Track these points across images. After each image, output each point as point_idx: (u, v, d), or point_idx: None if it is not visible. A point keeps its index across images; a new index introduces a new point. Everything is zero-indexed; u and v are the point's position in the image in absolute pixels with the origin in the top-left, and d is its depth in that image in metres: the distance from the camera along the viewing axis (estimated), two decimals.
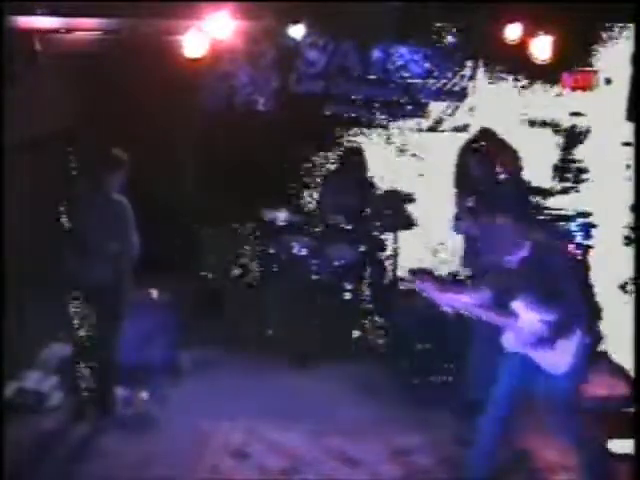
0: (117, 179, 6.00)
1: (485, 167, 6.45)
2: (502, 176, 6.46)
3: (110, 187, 5.97)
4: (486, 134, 6.88)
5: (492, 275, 5.13)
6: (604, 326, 7.01)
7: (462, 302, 5.09)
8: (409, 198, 7.93)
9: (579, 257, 7.25)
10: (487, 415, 5.16)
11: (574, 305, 4.79)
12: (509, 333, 4.97)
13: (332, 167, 8.42)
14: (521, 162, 6.73)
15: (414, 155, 8.46)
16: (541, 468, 5.57)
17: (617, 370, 6.52)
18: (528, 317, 4.87)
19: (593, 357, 5.12)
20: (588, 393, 6.19)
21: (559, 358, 4.83)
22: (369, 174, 8.13)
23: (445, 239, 8.06)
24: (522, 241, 4.87)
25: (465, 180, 6.76)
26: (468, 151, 6.75)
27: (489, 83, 8.09)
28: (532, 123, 8.16)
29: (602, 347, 6.90)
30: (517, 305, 4.90)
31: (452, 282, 5.36)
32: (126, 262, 5.98)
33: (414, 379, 6.76)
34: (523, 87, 8.07)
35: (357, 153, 8.11)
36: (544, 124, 8.17)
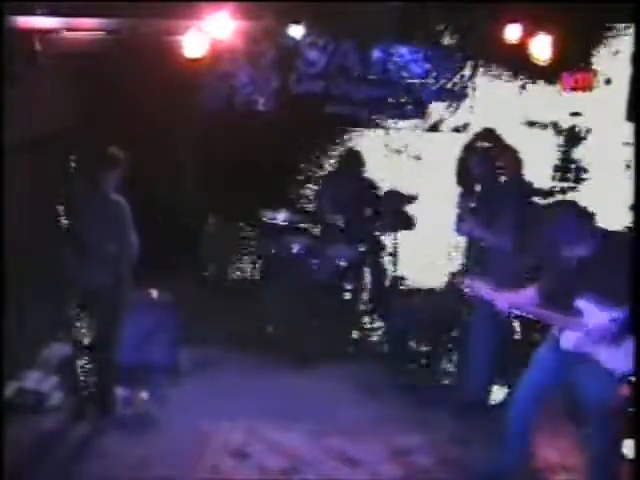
0: (114, 178, 5.97)
1: (487, 167, 6.45)
2: (504, 176, 6.46)
3: (107, 186, 5.94)
4: (488, 134, 6.88)
5: (549, 274, 4.98)
6: None
7: (520, 302, 4.96)
8: (409, 198, 7.94)
9: None
10: (516, 414, 5.12)
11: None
12: (571, 333, 4.81)
13: (332, 167, 8.42)
14: (522, 163, 6.73)
15: (414, 155, 8.47)
16: (541, 468, 5.57)
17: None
18: (595, 315, 4.69)
19: None
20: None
21: (625, 357, 4.66)
22: (369, 174, 8.14)
23: (446, 239, 8.07)
24: (585, 236, 4.74)
25: (467, 180, 6.77)
26: (470, 151, 6.75)
27: (489, 83, 8.09)
28: (532, 123, 8.16)
29: None
30: (581, 304, 4.72)
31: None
32: (125, 262, 5.97)
33: (414, 379, 6.76)
34: (523, 87, 8.08)
35: (357, 153, 8.11)
36: (544, 124, 8.17)
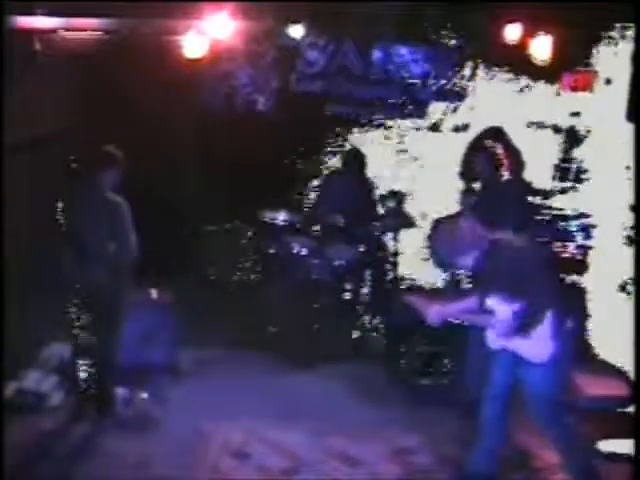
0: (112, 177, 5.95)
1: (490, 166, 6.45)
2: (506, 176, 6.47)
3: (105, 185, 5.92)
4: (493, 133, 6.89)
5: (476, 279, 5.23)
6: (603, 326, 7.02)
7: (447, 312, 5.19)
8: (409, 198, 7.93)
9: (579, 257, 7.27)
10: (486, 415, 5.22)
11: (541, 295, 4.87)
12: (490, 331, 5.09)
13: (332, 167, 8.42)
14: (524, 163, 6.74)
15: (414, 155, 8.47)
16: (540, 468, 5.57)
17: (616, 370, 6.52)
18: (501, 310, 4.95)
19: (578, 348, 5.19)
20: (588, 393, 6.22)
21: (537, 347, 4.92)
22: (369, 174, 8.13)
23: None
24: (481, 241, 4.99)
25: (470, 179, 6.78)
26: (474, 149, 6.76)
27: (489, 83, 8.09)
28: (532, 123, 8.16)
29: (600, 347, 6.94)
30: (491, 302, 4.99)
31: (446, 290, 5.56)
32: (124, 262, 5.96)
33: (414, 379, 6.76)
34: (523, 87, 8.07)
35: (357, 153, 8.11)
36: (544, 124, 8.17)
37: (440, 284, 7.65)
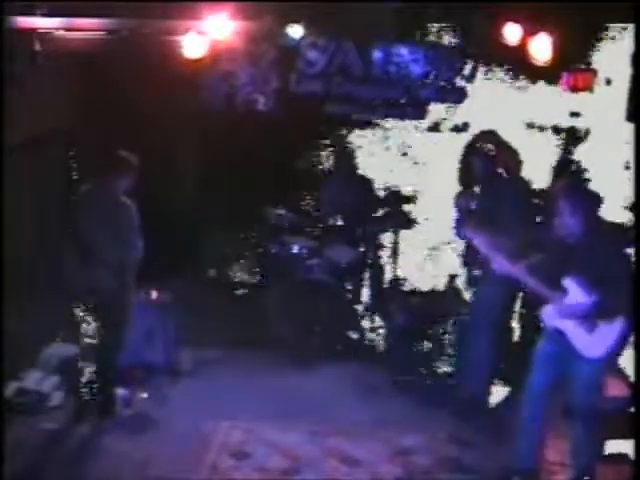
0: (126, 182, 6.00)
1: (488, 167, 6.45)
2: (504, 177, 6.47)
3: (118, 190, 5.96)
4: (490, 135, 6.88)
5: (551, 248, 5.15)
6: None
7: (515, 268, 5.12)
8: (409, 198, 7.93)
9: None
10: (524, 415, 5.23)
11: (622, 293, 4.82)
12: (553, 308, 5.04)
13: (332, 167, 8.42)
14: (522, 163, 6.73)
15: (414, 155, 8.47)
16: (541, 468, 5.56)
17: (616, 370, 6.51)
18: (576, 295, 4.92)
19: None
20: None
21: (596, 342, 4.91)
22: (369, 174, 8.13)
23: (446, 239, 8.07)
24: (591, 219, 4.92)
25: (468, 180, 6.77)
26: (471, 151, 6.76)
27: (489, 83, 8.08)
28: (531, 123, 8.16)
29: None
30: (568, 282, 4.95)
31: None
32: (130, 264, 5.97)
33: (414, 379, 6.76)
34: (523, 87, 8.07)
35: (357, 153, 8.11)
36: (544, 124, 8.16)
37: (439, 285, 7.67)
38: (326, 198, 8.03)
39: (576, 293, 4.94)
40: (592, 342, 4.93)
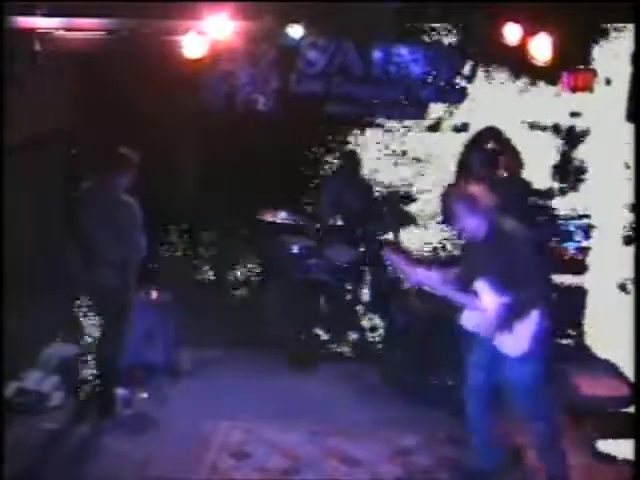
0: (127, 180, 5.98)
1: (488, 165, 6.45)
2: (504, 175, 6.47)
3: (119, 188, 5.95)
4: (491, 133, 6.88)
5: (464, 252, 5.17)
6: (603, 326, 7.02)
7: (429, 279, 5.11)
8: (409, 198, 7.93)
9: (579, 257, 7.27)
10: (472, 409, 5.21)
11: (532, 285, 4.80)
12: (470, 313, 5.02)
13: (332, 167, 8.42)
14: (522, 162, 6.74)
15: (414, 155, 8.46)
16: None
17: (616, 370, 6.52)
18: (489, 298, 4.90)
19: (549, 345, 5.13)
20: (587, 393, 6.22)
21: (516, 341, 4.86)
22: (369, 174, 8.13)
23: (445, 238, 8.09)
24: (490, 218, 4.88)
25: (467, 178, 6.77)
26: (472, 149, 6.76)
27: (489, 83, 8.08)
28: (531, 123, 8.16)
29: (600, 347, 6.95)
30: (479, 285, 4.93)
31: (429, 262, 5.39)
32: (133, 264, 5.97)
33: (414, 379, 6.76)
34: (523, 87, 8.07)
35: (357, 153, 8.12)
36: (544, 124, 8.16)
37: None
38: (326, 198, 8.02)
39: (488, 295, 4.90)
40: (514, 340, 4.86)
